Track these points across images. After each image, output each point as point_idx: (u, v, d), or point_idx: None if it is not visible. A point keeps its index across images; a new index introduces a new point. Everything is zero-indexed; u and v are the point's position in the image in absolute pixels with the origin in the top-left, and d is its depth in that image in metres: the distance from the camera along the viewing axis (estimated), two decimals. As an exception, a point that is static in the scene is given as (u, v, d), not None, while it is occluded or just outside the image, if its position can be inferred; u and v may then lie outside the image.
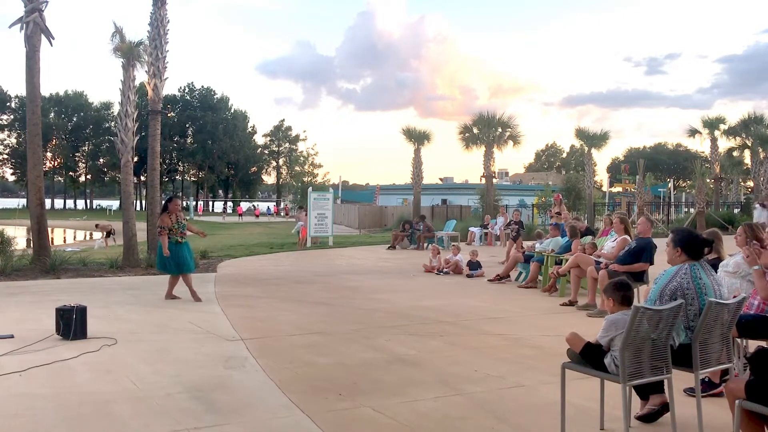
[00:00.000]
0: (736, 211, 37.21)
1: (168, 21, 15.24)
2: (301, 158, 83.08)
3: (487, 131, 29.42)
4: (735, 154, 38.49)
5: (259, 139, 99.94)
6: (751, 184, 41.67)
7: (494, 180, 30.78)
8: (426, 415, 4.56)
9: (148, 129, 15.67)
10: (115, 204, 79.32)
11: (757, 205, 25.21)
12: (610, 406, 4.34)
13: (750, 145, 35.33)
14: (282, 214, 68.13)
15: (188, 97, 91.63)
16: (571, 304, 9.25)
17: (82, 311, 6.87)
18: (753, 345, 4.73)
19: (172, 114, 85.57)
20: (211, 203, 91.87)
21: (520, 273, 11.91)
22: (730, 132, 36.13)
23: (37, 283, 11.35)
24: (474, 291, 10.90)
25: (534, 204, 39.65)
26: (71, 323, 6.74)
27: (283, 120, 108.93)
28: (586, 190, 33.54)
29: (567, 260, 9.93)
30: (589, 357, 4.06)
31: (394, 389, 5.17)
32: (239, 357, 6.21)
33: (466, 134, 29.94)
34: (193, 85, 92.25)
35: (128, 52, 14.70)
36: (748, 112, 36.22)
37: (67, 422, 4.39)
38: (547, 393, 5.02)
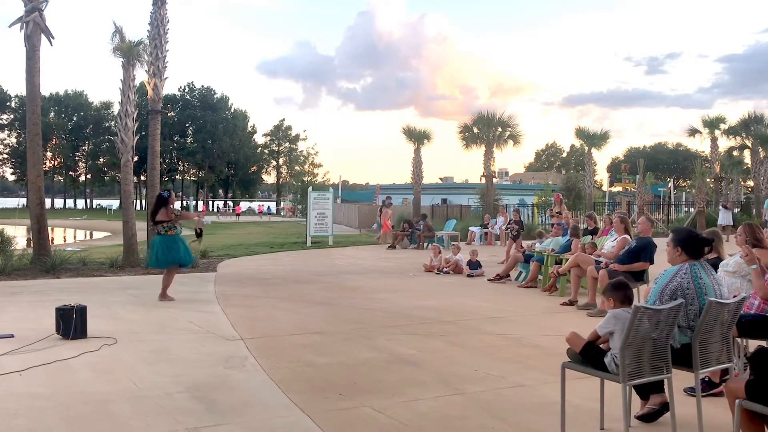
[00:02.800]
0: (736, 210, 37.18)
1: (168, 21, 15.24)
2: (301, 158, 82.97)
3: (487, 131, 29.40)
4: (735, 153, 38.44)
5: (259, 139, 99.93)
6: (751, 183, 41.64)
7: (494, 180, 30.76)
8: (426, 415, 4.56)
9: (148, 128, 15.69)
10: (115, 204, 79.22)
11: (721, 207, 25.10)
12: (610, 405, 4.34)
13: (750, 144, 35.32)
14: (283, 213, 68.03)
15: (188, 97, 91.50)
16: (571, 303, 9.25)
17: (82, 311, 6.88)
18: (753, 345, 4.73)
19: (172, 113, 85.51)
20: (211, 203, 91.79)
21: (520, 273, 11.91)
22: (730, 132, 36.08)
23: (37, 283, 11.35)
24: (474, 291, 10.90)
25: (534, 204, 39.66)
26: (71, 323, 6.74)
27: (283, 119, 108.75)
28: (586, 190, 33.52)
29: (567, 260, 9.94)
30: (589, 357, 4.06)
31: (394, 389, 5.17)
32: (239, 357, 6.21)
33: (466, 134, 29.92)
34: (193, 85, 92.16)
35: (128, 52, 14.69)
36: (749, 111, 36.16)
37: (67, 422, 4.39)
38: (547, 392, 5.02)
